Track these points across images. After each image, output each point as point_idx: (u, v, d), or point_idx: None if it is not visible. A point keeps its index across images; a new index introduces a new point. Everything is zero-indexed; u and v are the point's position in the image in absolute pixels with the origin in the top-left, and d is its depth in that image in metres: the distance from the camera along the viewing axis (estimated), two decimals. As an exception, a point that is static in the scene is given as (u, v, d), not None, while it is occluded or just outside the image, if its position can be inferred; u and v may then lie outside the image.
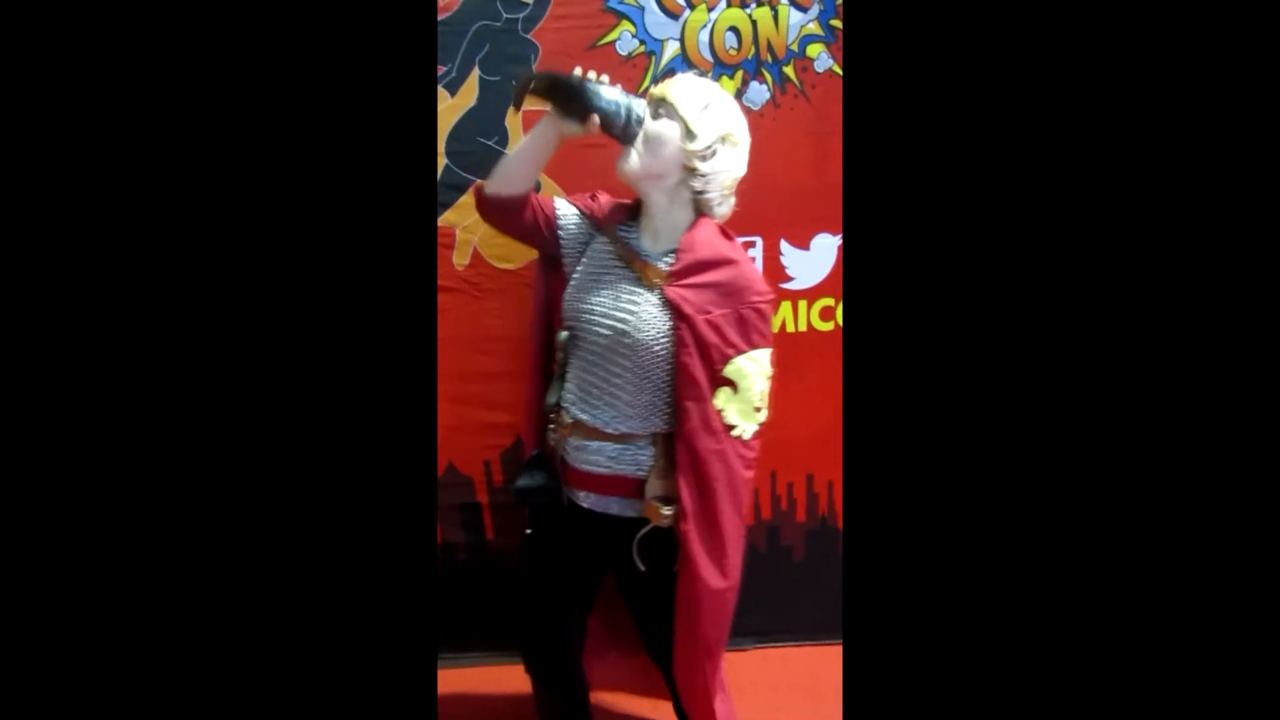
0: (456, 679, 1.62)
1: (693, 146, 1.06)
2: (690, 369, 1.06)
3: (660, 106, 1.08)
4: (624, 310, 1.09)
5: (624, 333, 1.08)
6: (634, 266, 1.11)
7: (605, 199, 1.22)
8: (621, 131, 1.06)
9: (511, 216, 1.16)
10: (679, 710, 1.31)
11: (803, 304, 1.59)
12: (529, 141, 1.13)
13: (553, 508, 1.19)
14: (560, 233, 1.18)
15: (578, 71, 1.07)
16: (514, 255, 1.53)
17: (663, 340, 1.07)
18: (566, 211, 1.19)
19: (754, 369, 1.09)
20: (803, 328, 1.59)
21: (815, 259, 1.57)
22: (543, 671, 1.31)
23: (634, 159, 1.08)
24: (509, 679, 1.58)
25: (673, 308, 1.07)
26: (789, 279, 1.57)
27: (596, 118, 1.05)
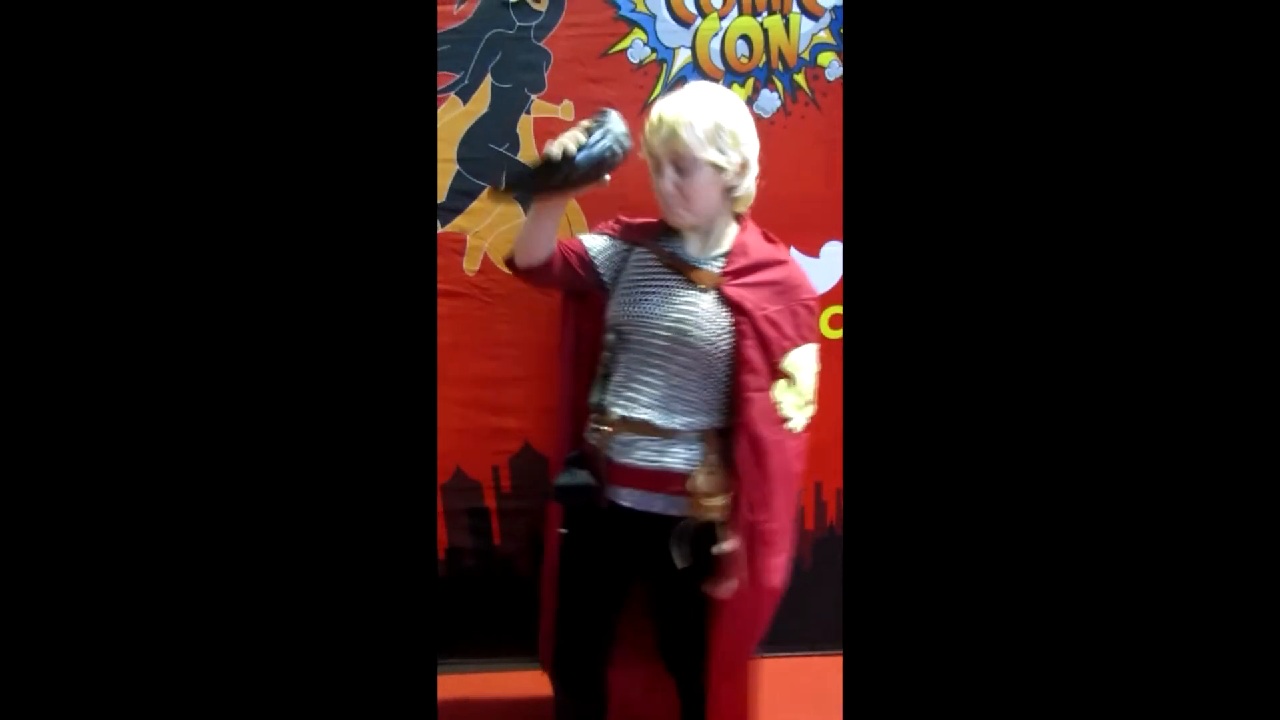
0: (463, 684, 1.62)
1: (726, 176, 1.11)
2: (753, 361, 1.10)
3: (678, 161, 1.08)
4: (681, 311, 1.12)
5: (684, 332, 1.11)
6: (686, 272, 1.14)
7: (629, 218, 1.24)
8: (623, 160, 1.06)
9: (544, 275, 1.20)
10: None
11: (812, 312, 1.58)
12: (539, 214, 1.14)
13: (590, 509, 1.19)
14: (596, 264, 1.21)
15: (550, 146, 1.03)
16: (524, 261, 1.53)
17: (723, 336, 1.11)
18: (596, 244, 1.22)
19: (806, 362, 1.15)
20: (812, 336, 1.58)
21: (825, 267, 1.57)
22: (571, 678, 1.30)
23: (686, 215, 1.12)
24: (516, 684, 1.58)
25: (732, 305, 1.11)
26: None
27: (604, 173, 1.04)
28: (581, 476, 1.17)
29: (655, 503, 1.15)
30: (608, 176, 1.06)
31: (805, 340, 1.15)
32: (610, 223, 1.25)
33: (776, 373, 1.12)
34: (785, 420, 1.13)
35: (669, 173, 1.09)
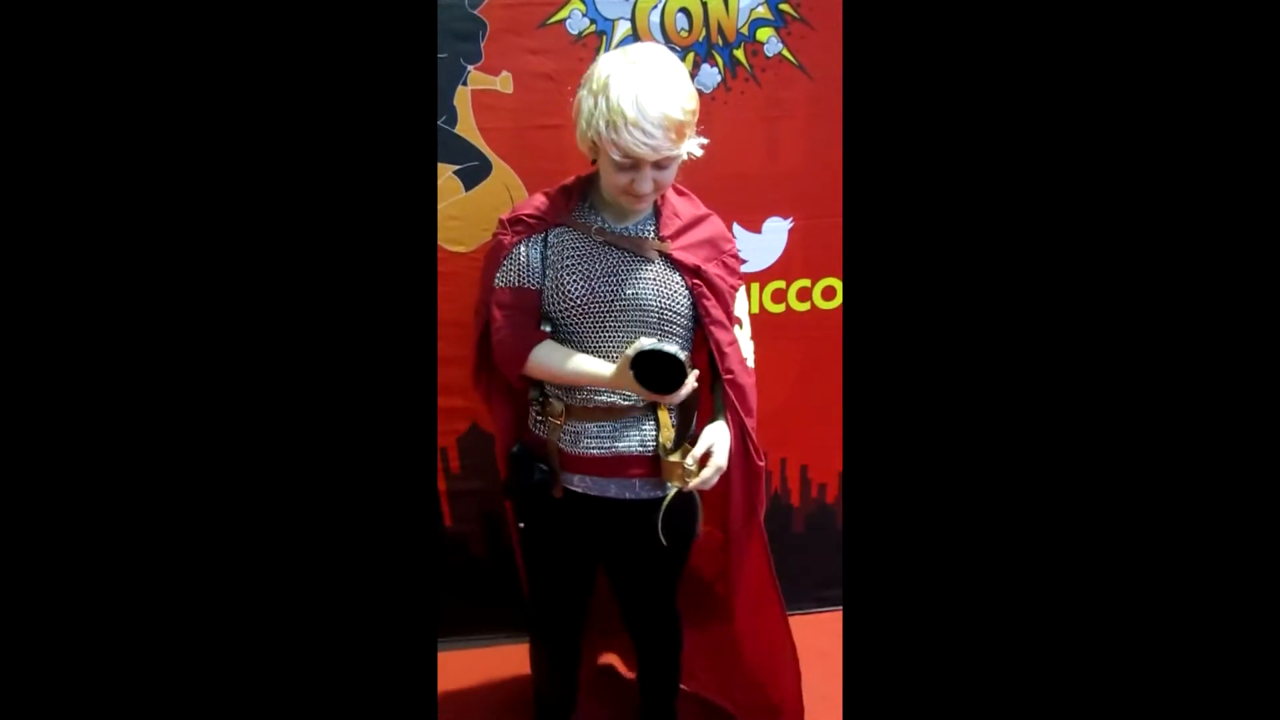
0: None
1: (689, 155, 1.07)
2: (715, 313, 1.13)
3: (662, 161, 1.02)
4: (635, 284, 1.09)
5: (643, 305, 1.09)
6: (630, 245, 1.11)
7: (521, 211, 1.14)
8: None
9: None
10: (656, 680, 1.37)
11: (755, 287, 1.62)
12: (589, 374, 1.08)
13: (544, 501, 1.17)
14: (539, 284, 1.13)
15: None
16: (465, 238, 1.50)
17: (678, 300, 1.11)
18: (533, 268, 1.12)
19: (744, 302, 1.21)
20: (755, 310, 1.62)
21: (767, 243, 1.60)
22: (553, 645, 1.33)
23: (649, 202, 1.09)
24: (467, 663, 1.59)
25: (682, 266, 1.11)
26: (741, 262, 1.59)
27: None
28: (531, 474, 1.15)
29: (610, 488, 1.15)
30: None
31: (739, 285, 1.19)
32: (508, 229, 1.14)
33: (733, 319, 1.16)
34: (745, 360, 1.18)
35: (650, 173, 1.02)
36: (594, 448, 1.13)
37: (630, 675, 1.59)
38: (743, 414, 1.16)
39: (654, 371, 1.01)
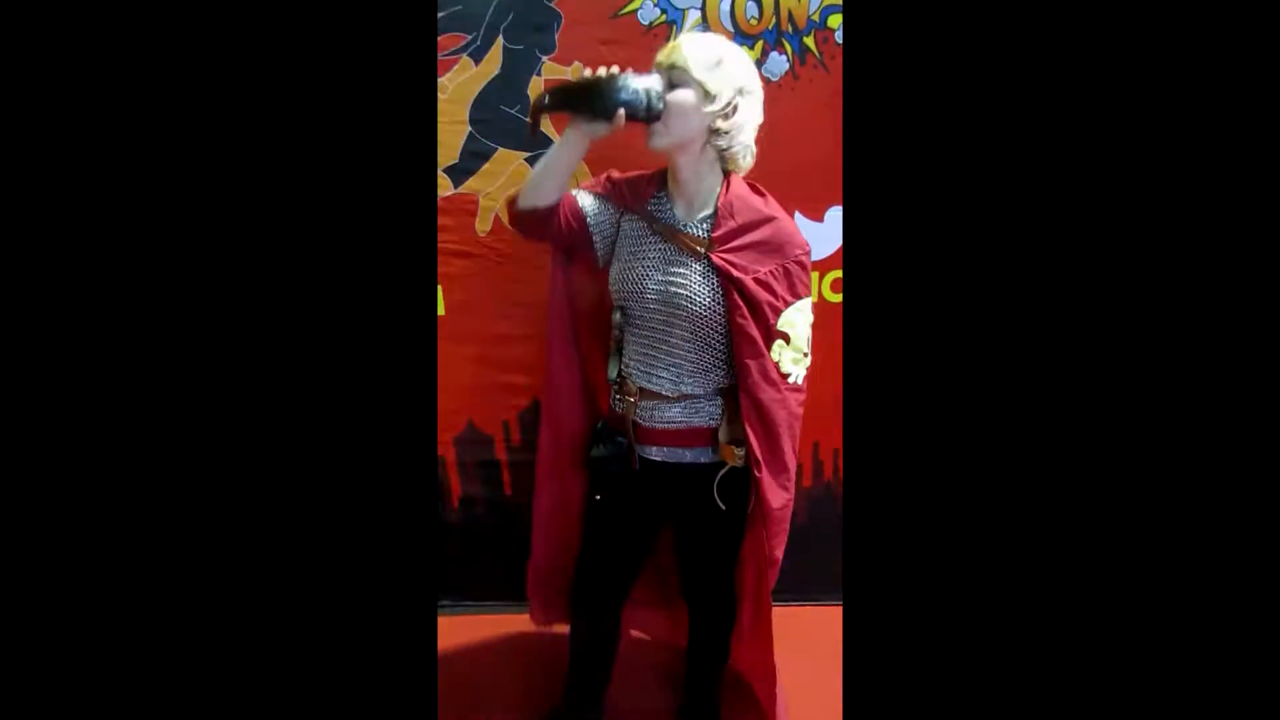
0: (476, 625, 1.71)
1: (713, 108, 1.08)
2: (746, 329, 1.11)
3: (673, 73, 1.08)
4: (675, 284, 1.13)
5: (679, 305, 1.13)
6: (674, 240, 1.14)
7: (620, 176, 1.23)
8: (646, 115, 1.08)
9: (544, 225, 1.19)
10: (704, 651, 1.40)
11: (814, 275, 1.61)
12: (557, 152, 1.14)
13: (619, 473, 1.24)
14: (590, 224, 1.21)
15: (585, 72, 1.10)
16: (534, 222, 1.56)
17: (717, 305, 1.12)
18: (589, 202, 1.21)
19: (801, 319, 1.16)
20: (814, 299, 1.61)
21: (828, 231, 1.59)
22: (598, 619, 1.39)
23: (660, 134, 1.10)
24: (520, 625, 1.67)
25: (721, 273, 1.11)
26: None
27: (621, 112, 1.06)
28: (611, 447, 1.23)
29: (685, 455, 1.21)
30: (622, 116, 1.06)
31: (798, 296, 1.16)
32: (603, 179, 1.24)
33: (773, 334, 1.13)
34: (785, 377, 1.16)
35: (664, 85, 1.09)
36: (670, 422, 1.20)
37: (652, 645, 1.63)
38: (759, 433, 1.15)
39: (579, 102, 1.08)
